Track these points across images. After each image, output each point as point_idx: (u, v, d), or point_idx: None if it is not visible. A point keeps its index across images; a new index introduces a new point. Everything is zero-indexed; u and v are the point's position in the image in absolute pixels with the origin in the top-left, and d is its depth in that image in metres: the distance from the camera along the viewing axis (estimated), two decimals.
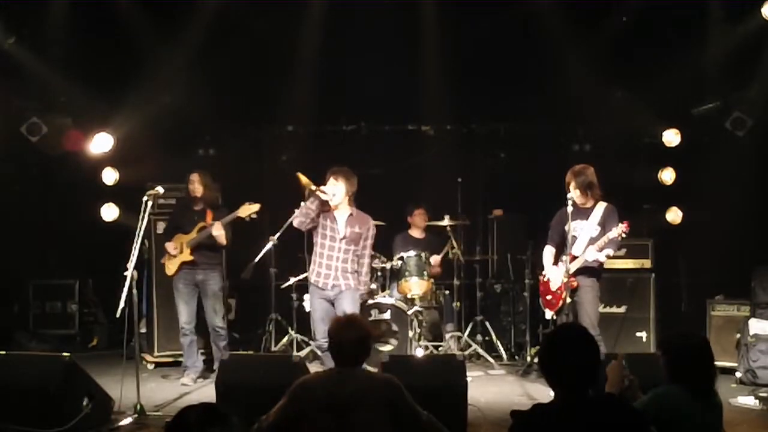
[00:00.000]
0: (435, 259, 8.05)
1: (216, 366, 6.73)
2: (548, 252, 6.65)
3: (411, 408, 3.71)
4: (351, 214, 6.37)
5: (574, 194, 6.33)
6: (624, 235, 6.17)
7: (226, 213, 6.99)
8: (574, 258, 6.32)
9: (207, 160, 9.18)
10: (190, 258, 6.96)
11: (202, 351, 7.24)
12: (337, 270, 6.28)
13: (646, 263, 8.07)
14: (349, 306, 6.15)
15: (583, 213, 6.43)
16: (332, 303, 6.29)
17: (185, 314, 6.98)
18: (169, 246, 7.00)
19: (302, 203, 6.33)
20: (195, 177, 7.08)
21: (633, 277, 8.00)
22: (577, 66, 8.49)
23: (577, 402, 2.80)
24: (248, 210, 6.85)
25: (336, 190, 6.29)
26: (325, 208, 6.34)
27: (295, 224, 6.37)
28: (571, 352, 2.85)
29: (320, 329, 6.22)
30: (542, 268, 6.75)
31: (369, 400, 3.61)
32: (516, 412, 2.85)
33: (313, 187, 6.28)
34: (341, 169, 6.37)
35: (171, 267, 7.00)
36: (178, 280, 7.00)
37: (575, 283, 6.32)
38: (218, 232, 6.86)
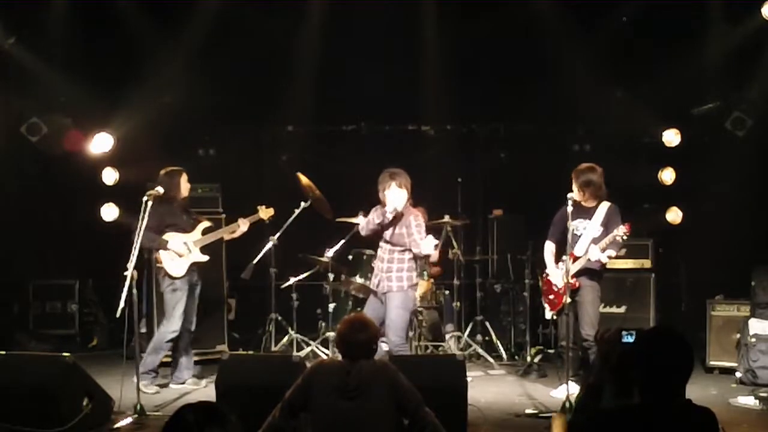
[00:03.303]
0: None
1: (173, 374, 6.80)
2: (549, 248, 6.61)
3: (409, 390, 3.98)
4: (400, 215, 6.18)
5: (574, 193, 6.32)
6: (625, 237, 6.15)
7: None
8: (576, 258, 6.30)
9: (207, 160, 9.20)
10: (204, 259, 6.77)
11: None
12: (382, 271, 6.20)
13: (646, 263, 8.08)
14: (393, 308, 6.04)
15: (585, 212, 6.41)
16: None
17: (187, 316, 6.72)
18: (179, 246, 6.66)
19: (369, 217, 6.26)
20: (186, 177, 6.79)
21: (633, 277, 8.00)
22: (577, 66, 8.49)
23: (661, 405, 2.76)
24: (267, 213, 7.01)
25: (400, 198, 6.09)
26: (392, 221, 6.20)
27: (362, 233, 6.39)
28: (665, 354, 2.81)
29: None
30: (543, 267, 6.73)
31: (373, 388, 3.89)
32: (600, 412, 2.83)
33: (385, 209, 6.09)
34: (400, 173, 6.11)
35: (178, 268, 6.66)
36: (183, 282, 6.68)
37: (577, 284, 6.31)
38: (245, 227, 6.94)
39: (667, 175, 8.79)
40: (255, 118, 9.36)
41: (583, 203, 6.38)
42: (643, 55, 8.45)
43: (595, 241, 6.29)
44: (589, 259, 6.24)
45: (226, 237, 7.05)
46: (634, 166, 8.84)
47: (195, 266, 6.75)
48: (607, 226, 6.30)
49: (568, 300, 6.15)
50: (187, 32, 8.36)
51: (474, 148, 9.59)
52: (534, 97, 8.59)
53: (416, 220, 6.18)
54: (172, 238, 6.66)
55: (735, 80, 8.16)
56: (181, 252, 6.66)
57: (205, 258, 6.78)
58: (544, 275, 6.72)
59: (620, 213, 6.36)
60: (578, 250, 6.33)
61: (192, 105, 8.74)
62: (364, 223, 6.38)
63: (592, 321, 6.25)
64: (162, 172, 6.71)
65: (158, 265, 6.75)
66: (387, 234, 6.24)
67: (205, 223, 6.92)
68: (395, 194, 6.07)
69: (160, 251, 6.64)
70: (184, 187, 6.77)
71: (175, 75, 8.60)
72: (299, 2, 8.52)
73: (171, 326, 6.62)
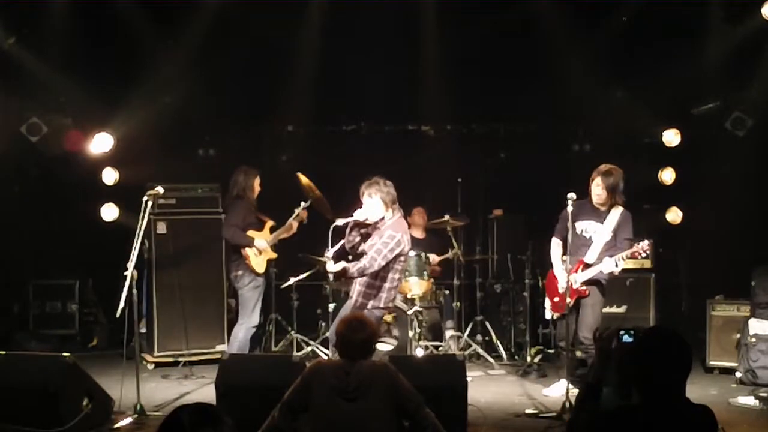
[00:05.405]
0: (433, 257, 8.03)
1: None
2: (556, 245, 6.53)
3: (409, 391, 3.98)
4: (378, 227, 5.97)
5: (597, 192, 6.23)
6: (644, 255, 6.08)
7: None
8: (587, 266, 6.24)
9: (207, 160, 9.19)
10: (275, 255, 7.13)
11: None
12: (357, 283, 6.04)
13: (646, 263, 8.06)
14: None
15: (597, 215, 6.33)
16: None
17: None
18: (262, 243, 6.98)
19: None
20: (259, 179, 7.16)
21: (633, 277, 7.99)
22: (577, 66, 8.49)
23: (660, 405, 2.76)
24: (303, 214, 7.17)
25: (371, 208, 5.87)
26: (368, 229, 6.01)
27: (347, 247, 6.16)
28: (664, 354, 2.81)
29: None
30: (544, 266, 6.69)
31: (373, 389, 3.88)
32: (600, 412, 2.86)
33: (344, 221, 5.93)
34: (372, 183, 5.89)
35: (261, 264, 7.00)
36: (264, 278, 7.08)
37: (587, 291, 6.27)
38: (295, 227, 7.11)
39: (667, 175, 8.78)
40: (255, 118, 9.35)
41: (596, 204, 6.32)
42: (643, 55, 8.44)
43: (608, 245, 6.25)
44: (601, 271, 6.21)
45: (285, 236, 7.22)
46: (634, 166, 8.80)
47: (270, 262, 7.14)
48: (617, 232, 6.26)
49: (571, 302, 6.14)
50: (186, 33, 8.35)
51: (474, 148, 9.59)
52: (534, 97, 8.58)
53: (388, 239, 5.80)
54: (254, 236, 7.02)
55: (735, 80, 8.16)
56: (262, 249, 6.96)
57: (275, 255, 7.12)
58: (550, 274, 6.66)
59: (632, 220, 6.32)
60: (589, 257, 6.27)
61: (192, 105, 8.73)
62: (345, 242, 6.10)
63: (595, 321, 6.22)
64: (238, 171, 7.12)
65: (246, 261, 6.95)
66: (366, 246, 6.01)
67: (271, 222, 7.23)
68: (366, 205, 5.91)
69: (247, 249, 6.93)
70: (257, 188, 7.13)
71: (175, 75, 8.59)
72: (299, 2, 8.52)
73: (253, 321, 6.99)
